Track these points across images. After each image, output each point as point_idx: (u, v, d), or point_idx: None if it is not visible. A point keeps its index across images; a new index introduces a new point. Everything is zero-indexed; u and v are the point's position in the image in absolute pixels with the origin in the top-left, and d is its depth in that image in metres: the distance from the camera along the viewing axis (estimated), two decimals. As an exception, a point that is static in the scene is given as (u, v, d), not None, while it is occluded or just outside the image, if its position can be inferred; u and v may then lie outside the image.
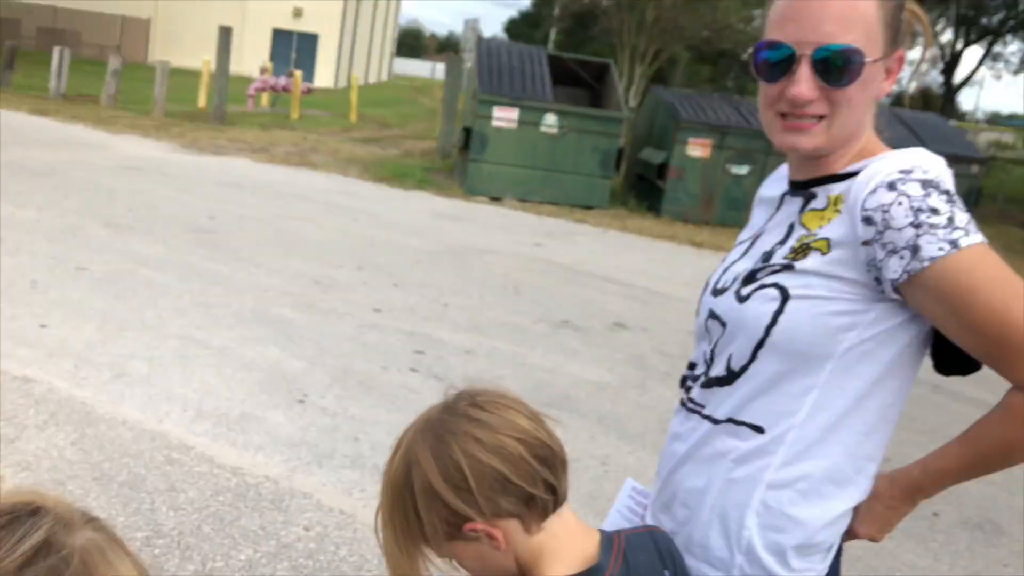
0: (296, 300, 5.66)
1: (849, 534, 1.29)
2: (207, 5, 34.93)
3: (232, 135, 14.10)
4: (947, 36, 26.84)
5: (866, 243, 1.14)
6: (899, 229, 1.11)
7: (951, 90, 27.18)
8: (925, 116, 12.84)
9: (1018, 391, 1.12)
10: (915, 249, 1.10)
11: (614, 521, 1.48)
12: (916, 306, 1.16)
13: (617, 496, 1.53)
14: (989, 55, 27.73)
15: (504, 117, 10.87)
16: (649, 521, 1.43)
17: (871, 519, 1.27)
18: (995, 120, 70.21)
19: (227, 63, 15.06)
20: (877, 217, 1.13)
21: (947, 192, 1.14)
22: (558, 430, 1.12)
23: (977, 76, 76.61)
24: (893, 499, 1.25)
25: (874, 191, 1.14)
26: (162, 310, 5.10)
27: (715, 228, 10.88)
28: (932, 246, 1.10)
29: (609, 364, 5.24)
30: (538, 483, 1.06)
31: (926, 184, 1.13)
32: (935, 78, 30.32)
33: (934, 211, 1.10)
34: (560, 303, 6.47)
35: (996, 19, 24.90)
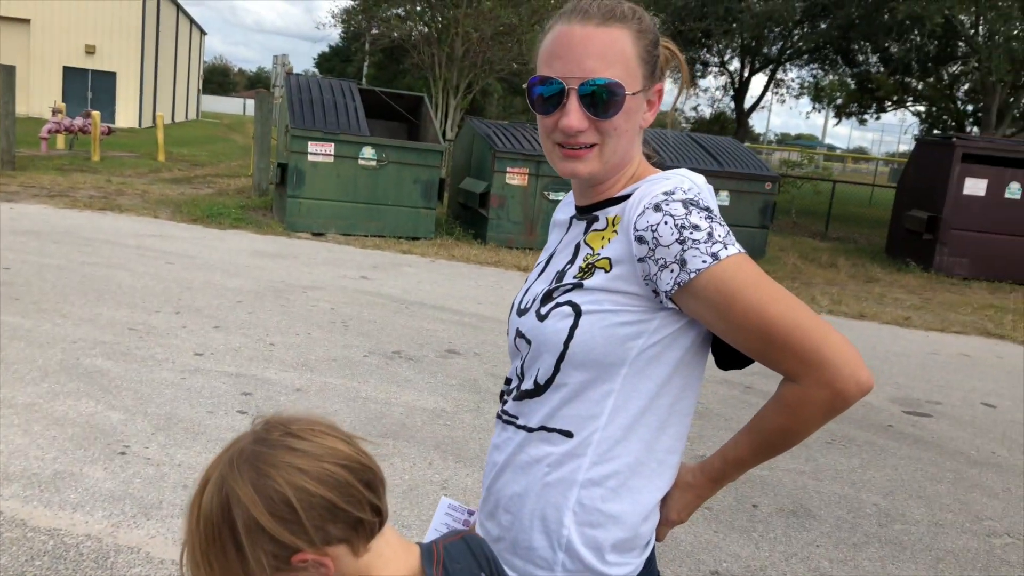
0: (110, 349, 5.35)
1: (662, 521, 1.40)
2: (-14, 42, 32.34)
3: (25, 180, 13.10)
4: (735, 64, 29.23)
5: (641, 259, 1.25)
6: (667, 246, 1.22)
7: (743, 114, 29.54)
8: (721, 139, 13.90)
9: (787, 382, 1.25)
10: (683, 263, 1.21)
11: (431, 539, 1.54)
12: (690, 312, 1.27)
13: (434, 516, 1.61)
14: (773, 82, 30.40)
15: (320, 151, 10.77)
16: (478, 530, 1.49)
17: (681, 505, 1.39)
18: (784, 140, 76.81)
19: (12, 103, 14.00)
20: (648, 236, 1.24)
21: (707, 208, 1.26)
22: (396, 459, 1.15)
23: (764, 101, 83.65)
24: (701, 487, 1.38)
25: (643, 212, 1.25)
26: (-46, 370, 4.67)
27: (539, 252, 11.26)
28: (696, 259, 1.21)
29: (443, 390, 5.31)
30: (365, 507, 1.07)
31: (687, 203, 1.25)
32: (727, 103, 32.89)
33: (695, 227, 1.22)
34: (391, 334, 6.48)
35: (775, 49, 27.37)
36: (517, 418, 1.40)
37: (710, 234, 1.22)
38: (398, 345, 6.19)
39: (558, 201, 11.58)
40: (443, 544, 1.21)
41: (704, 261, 1.21)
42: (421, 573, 1.13)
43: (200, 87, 55.76)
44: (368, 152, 10.97)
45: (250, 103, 59.12)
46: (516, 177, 11.42)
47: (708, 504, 3.98)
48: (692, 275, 1.21)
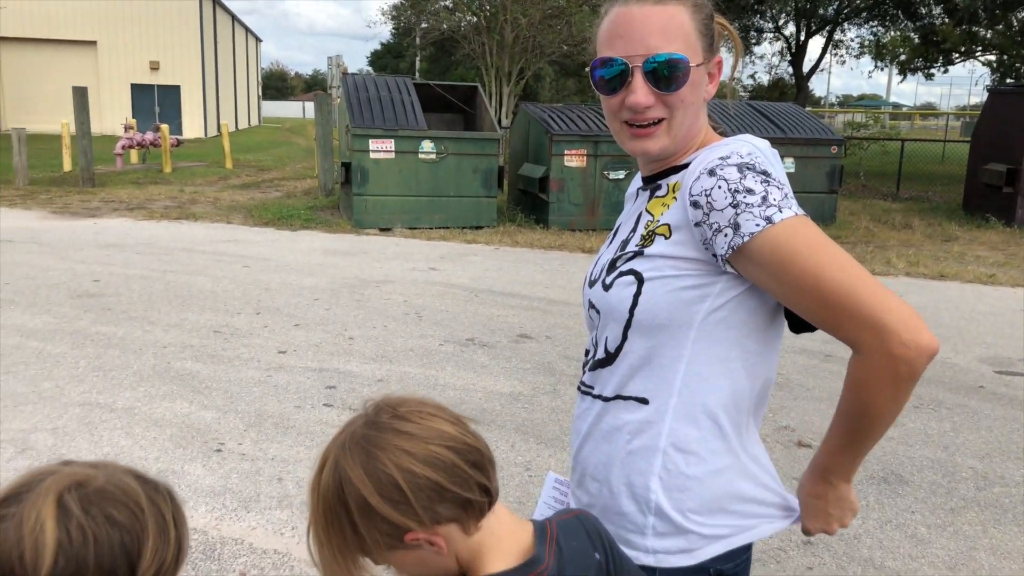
0: (197, 352, 5.58)
1: (804, 529, 1.40)
2: (55, 67, 33.61)
3: (105, 196, 13.64)
4: (790, 29, 28.51)
5: (697, 224, 1.27)
6: (721, 210, 1.23)
7: (801, 78, 28.83)
8: (782, 105, 13.62)
9: (852, 357, 1.23)
10: (736, 227, 1.22)
11: (541, 512, 1.56)
12: (748, 276, 1.27)
13: (541, 490, 1.65)
14: (831, 43, 29.58)
15: (381, 148, 10.94)
16: (571, 500, 1.53)
17: (810, 514, 1.38)
18: (846, 102, 74.59)
19: (87, 123, 14.56)
20: (702, 201, 1.26)
21: (763, 172, 1.26)
22: (482, 432, 1.19)
23: (823, 63, 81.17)
24: (815, 488, 1.36)
25: (698, 178, 1.27)
26: (58, 379, 4.94)
27: (602, 232, 11.24)
28: (750, 223, 1.21)
29: (519, 374, 5.39)
30: (473, 487, 1.08)
31: (742, 167, 1.25)
32: (785, 69, 32.08)
33: (749, 191, 1.23)
34: (463, 322, 6.59)
35: (831, 9, 26.60)
36: (593, 388, 1.44)
37: (764, 198, 1.23)
38: (471, 332, 6.29)
39: (618, 180, 11.53)
40: (556, 521, 1.22)
41: (757, 225, 1.21)
42: (533, 550, 1.14)
43: (260, 93, 56.97)
44: (427, 146, 11.10)
45: (309, 106, 60.09)
46: (574, 159, 11.41)
47: (797, 474, 3.97)
48: (745, 239, 1.22)
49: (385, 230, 11.14)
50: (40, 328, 5.99)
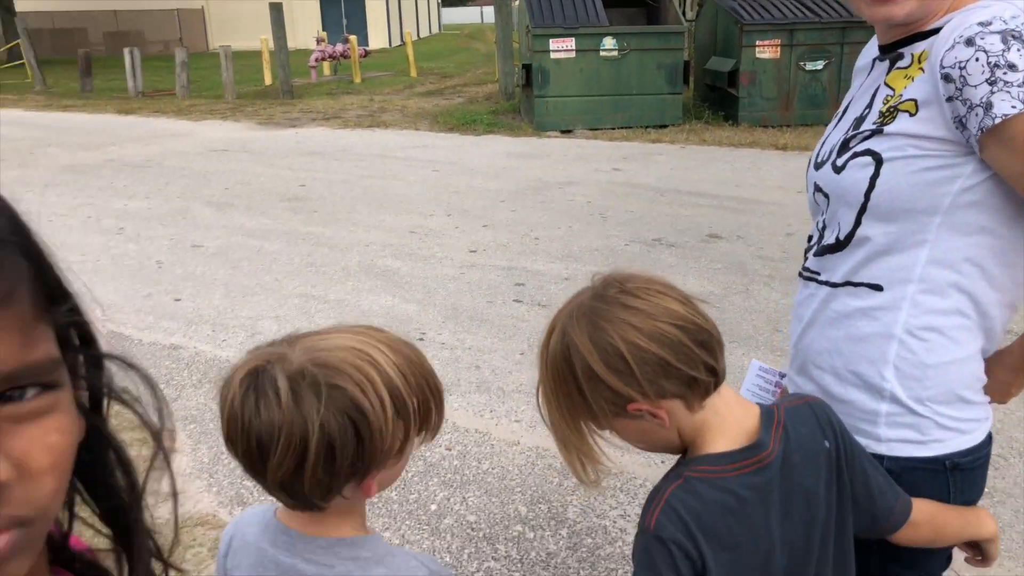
0: (397, 251, 5.91)
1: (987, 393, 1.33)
2: (254, -15, 35.34)
3: (303, 106, 14.44)
4: None
5: (949, 100, 1.15)
6: (975, 86, 1.10)
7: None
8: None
9: None
10: (988, 106, 1.10)
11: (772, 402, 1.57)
12: (992, 163, 1.15)
13: (744, 379, 1.64)
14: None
15: (561, 48, 10.81)
16: (789, 387, 1.50)
17: (994, 388, 1.32)
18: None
19: (284, 38, 15.33)
20: (955, 74, 1.13)
21: None
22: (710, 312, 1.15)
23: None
24: (1010, 374, 1.30)
25: (952, 47, 1.14)
26: (277, 274, 5.41)
27: (797, 129, 10.65)
28: (1005, 103, 1.09)
29: (709, 274, 5.32)
30: (699, 366, 1.09)
31: (1006, 36, 1.10)
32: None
33: (1011, 66, 1.08)
34: (649, 223, 6.54)
35: None
36: (819, 274, 1.38)
37: None
38: (658, 232, 6.24)
39: (815, 71, 10.80)
40: (785, 407, 1.20)
41: (1013, 107, 1.08)
42: (758, 434, 1.14)
43: (439, 1, 57.49)
44: (609, 43, 10.85)
45: (487, 10, 59.89)
46: (767, 50, 10.77)
47: None
48: (996, 121, 1.09)
49: (566, 132, 11.12)
50: (258, 228, 6.54)
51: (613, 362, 1.08)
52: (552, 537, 2.75)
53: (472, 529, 2.79)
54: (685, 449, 1.18)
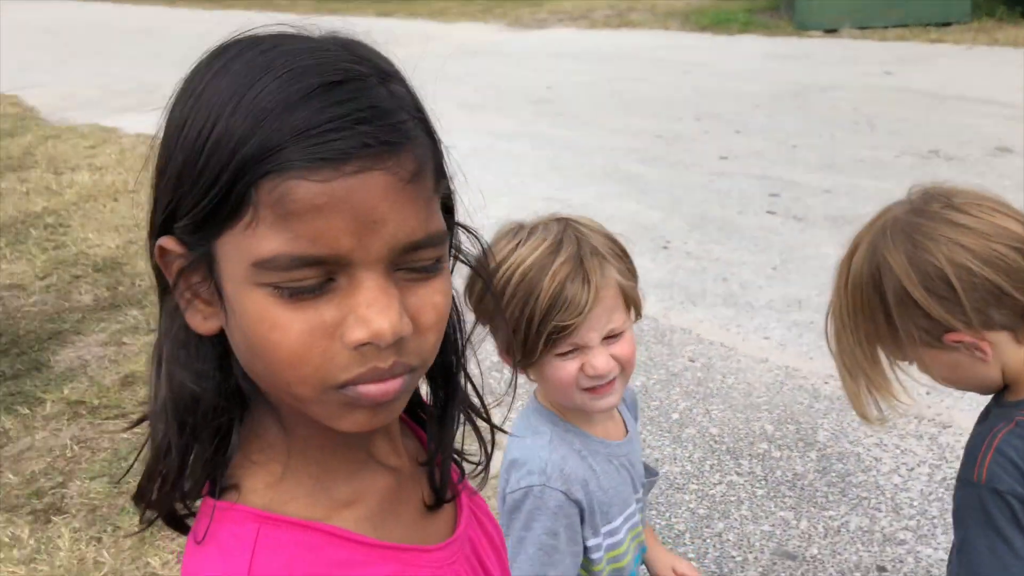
0: (642, 155, 5.79)
1: None
2: None
3: (551, 7, 14.35)
4: None
5: None
6: None
7: None
8: None
9: None
10: None
11: None
12: None
13: None
14: None
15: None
16: None
17: None
18: None
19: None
20: None
21: None
22: None
23: None
24: None
25: None
26: (523, 176, 5.50)
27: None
28: None
29: (998, 191, 4.72)
30: None
31: None
32: None
33: None
34: (925, 132, 5.90)
35: None
36: None
37: None
38: (935, 144, 5.63)
39: None
40: None
41: None
42: None
43: None
44: (890, -71, 9.70)
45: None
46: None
47: None
48: None
49: (831, 31, 10.21)
50: (505, 131, 6.65)
51: (935, 286, 0.98)
52: (800, 459, 2.64)
53: (715, 442, 2.74)
54: (1003, 389, 1.05)
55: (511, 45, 10.87)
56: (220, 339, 0.58)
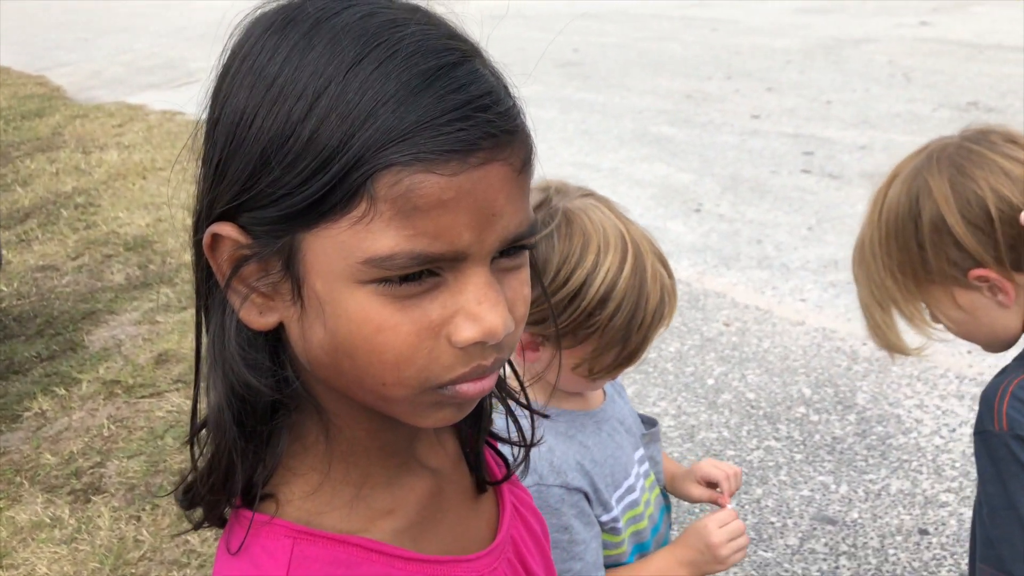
0: (672, 117, 5.68)
1: None
2: None
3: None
4: None
5: None
6: None
7: None
8: None
9: None
10: None
11: None
12: None
13: None
14: None
15: None
16: None
17: None
18: None
19: None
20: None
21: None
22: None
23: None
24: None
25: None
26: (551, 142, 5.42)
27: None
28: None
29: (1036, 141, 4.58)
30: None
31: None
32: None
33: None
34: (963, 85, 5.72)
35: None
36: None
37: None
38: (973, 96, 5.45)
39: None
40: None
41: None
42: None
43: None
44: None
45: None
46: None
47: None
48: None
49: (865, -17, 9.92)
50: (532, 96, 6.48)
51: (973, 215, 0.94)
52: (839, 422, 2.59)
53: (751, 407, 2.69)
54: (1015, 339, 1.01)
55: (535, 8, 10.70)
56: (271, 334, 0.55)
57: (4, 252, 3.81)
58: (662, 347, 3.05)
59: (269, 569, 0.54)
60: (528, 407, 0.68)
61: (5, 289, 3.89)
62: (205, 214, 0.53)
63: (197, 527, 0.59)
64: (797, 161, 4.67)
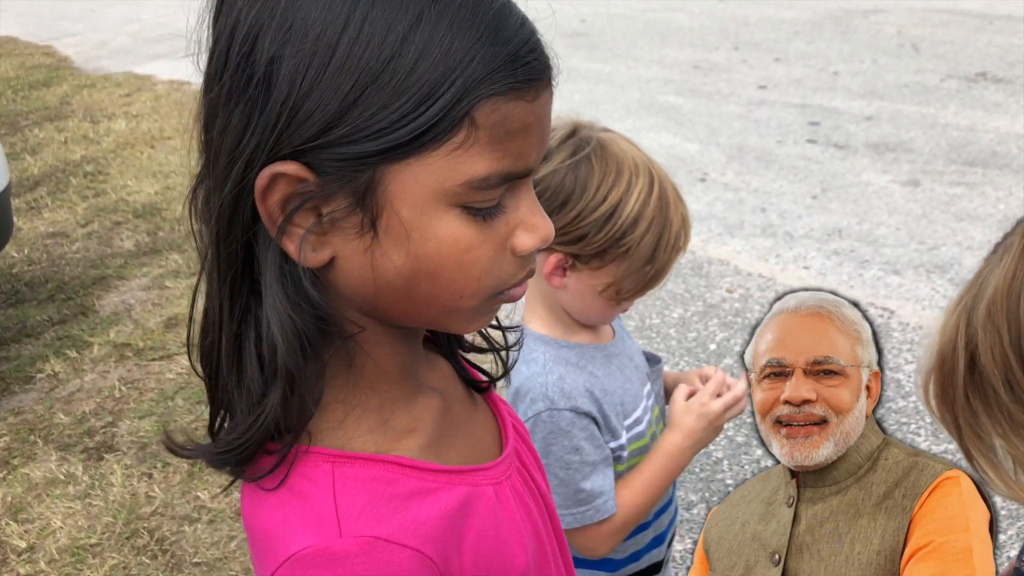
0: (679, 87, 5.67)
1: None
2: None
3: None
4: None
5: None
6: None
7: None
8: None
9: None
10: None
11: None
12: None
13: None
14: None
15: None
16: None
17: None
18: None
19: None
20: None
21: None
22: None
23: None
24: None
25: None
26: (558, 111, 5.37)
27: None
28: None
29: (1044, 112, 4.57)
30: None
31: None
32: None
33: None
34: (972, 55, 5.69)
35: None
36: None
37: None
38: (982, 66, 5.42)
39: None
40: None
41: None
42: None
43: None
44: None
45: None
46: None
47: None
48: None
49: (876, -47, 9.81)
50: (539, 65, 6.53)
51: None
52: (839, 388, 2.62)
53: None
54: None
55: (542, -21, 10.63)
56: (310, 271, 0.55)
57: (15, 219, 3.85)
58: (665, 313, 3.08)
59: (314, 494, 0.55)
60: (497, 324, 0.70)
61: (16, 255, 3.93)
62: (255, 156, 0.51)
63: (235, 477, 0.58)
64: (803, 131, 4.67)
